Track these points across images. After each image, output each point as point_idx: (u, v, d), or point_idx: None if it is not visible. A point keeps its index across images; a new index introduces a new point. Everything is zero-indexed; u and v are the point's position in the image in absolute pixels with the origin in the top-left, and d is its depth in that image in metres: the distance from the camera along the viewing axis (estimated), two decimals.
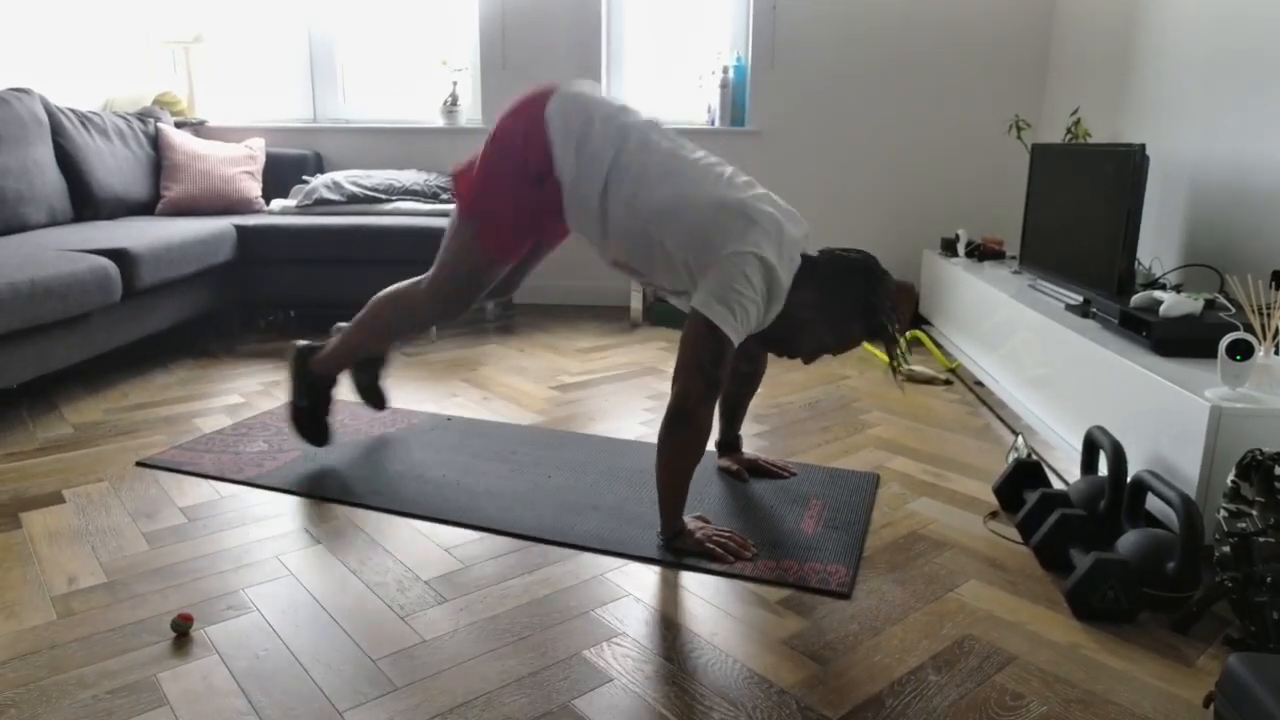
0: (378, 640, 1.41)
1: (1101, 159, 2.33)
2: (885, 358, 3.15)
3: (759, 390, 2.78)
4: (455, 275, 1.94)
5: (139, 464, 2.10)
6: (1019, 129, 3.35)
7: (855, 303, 1.70)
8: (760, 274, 1.62)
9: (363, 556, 1.68)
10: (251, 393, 2.67)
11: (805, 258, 1.74)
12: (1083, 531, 1.65)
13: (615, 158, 1.75)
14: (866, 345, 3.33)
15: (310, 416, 2.15)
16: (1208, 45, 2.51)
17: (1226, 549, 1.42)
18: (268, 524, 1.81)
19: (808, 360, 1.79)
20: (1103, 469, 1.86)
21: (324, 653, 1.37)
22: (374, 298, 2.09)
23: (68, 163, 3.21)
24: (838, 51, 3.71)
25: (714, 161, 1.79)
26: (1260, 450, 1.43)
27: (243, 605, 1.51)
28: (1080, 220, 2.44)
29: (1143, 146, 2.14)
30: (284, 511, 1.87)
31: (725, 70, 3.75)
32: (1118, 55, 3.04)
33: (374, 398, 2.34)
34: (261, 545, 1.72)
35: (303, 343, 2.17)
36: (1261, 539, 1.38)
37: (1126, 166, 2.17)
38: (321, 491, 1.96)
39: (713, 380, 1.61)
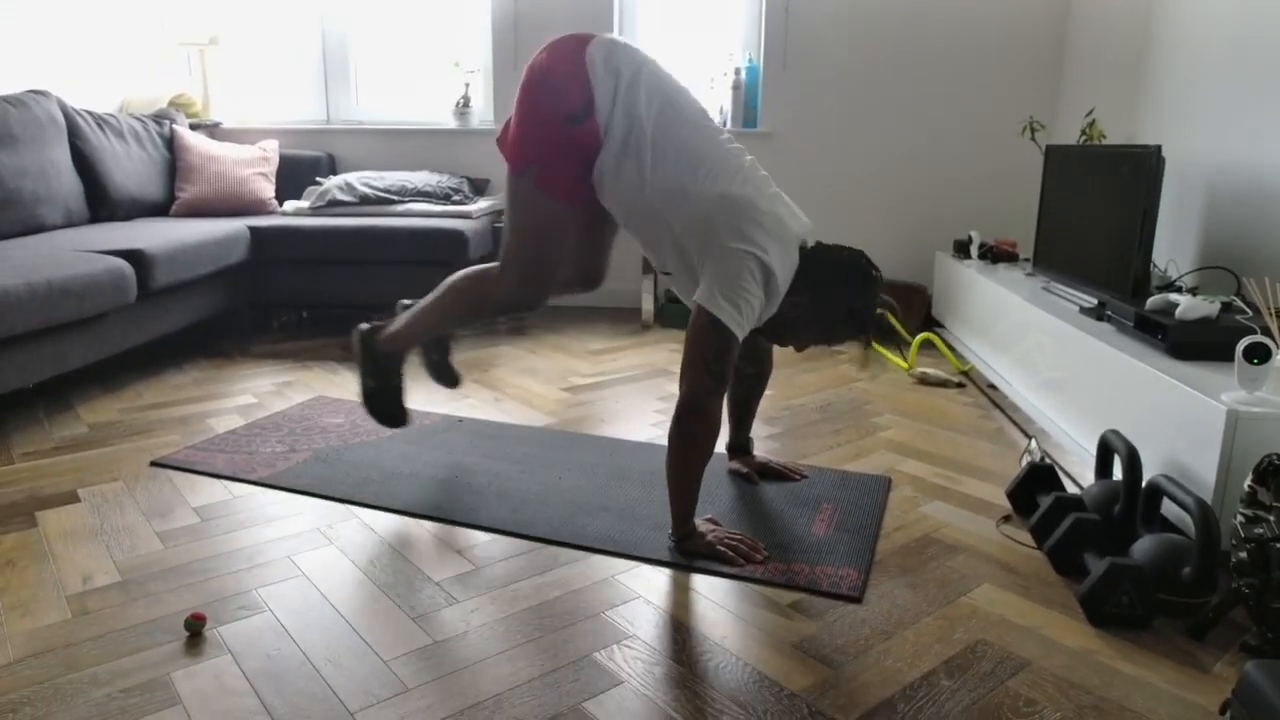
0: (389, 641, 1.41)
1: (1117, 160, 2.31)
2: (894, 358, 3.14)
3: (770, 392, 2.77)
4: (528, 242, 1.84)
5: (153, 464, 2.12)
6: (1033, 130, 3.33)
7: (842, 307, 1.73)
8: (760, 275, 1.63)
9: (374, 557, 1.69)
10: (264, 393, 2.69)
11: (799, 250, 1.75)
12: (1097, 536, 1.64)
13: (641, 121, 1.72)
14: (876, 345, 3.31)
15: (384, 397, 2.10)
16: (1224, 45, 2.49)
17: (1243, 554, 1.41)
18: (280, 524, 1.82)
19: (799, 349, 1.84)
20: (1118, 473, 1.85)
21: (336, 653, 1.38)
22: (449, 279, 1.99)
23: (84, 164, 3.23)
24: (850, 53, 3.70)
25: (736, 149, 1.78)
26: (1277, 455, 1.41)
27: (255, 605, 1.51)
28: (1095, 222, 2.42)
29: (1159, 148, 2.12)
30: (297, 512, 1.88)
31: (738, 71, 3.75)
32: (1133, 56, 3.01)
33: (446, 376, 2.25)
34: (274, 545, 1.73)
35: (365, 325, 2.10)
36: (1278, 544, 1.36)
37: (1142, 168, 2.15)
38: (334, 492, 1.96)
39: (719, 375, 1.62)
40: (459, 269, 2.03)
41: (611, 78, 1.74)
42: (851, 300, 1.73)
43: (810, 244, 1.78)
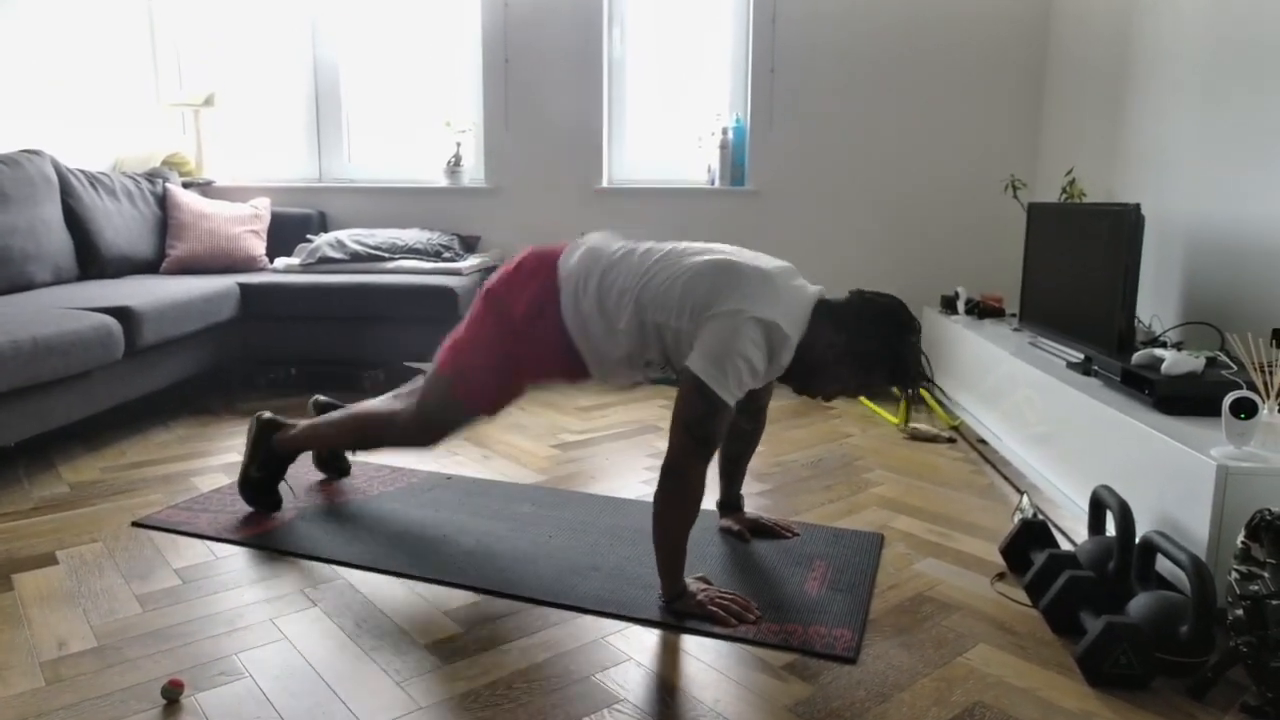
0: (373, 708, 1.37)
1: (1097, 218, 2.36)
2: (884, 413, 3.14)
3: (761, 448, 2.76)
4: (438, 417, 1.95)
5: (135, 524, 2.08)
6: (1015, 188, 3.39)
7: (882, 350, 1.69)
8: (759, 331, 1.62)
9: (360, 619, 1.65)
10: None
11: (826, 301, 1.74)
12: (1093, 594, 1.62)
13: (603, 274, 1.78)
14: (864, 400, 3.32)
15: (262, 487, 2.16)
16: (1199, 101, 2.56)
17: (1240, 612, 1.39)
18: (263, 586, 1.78)
19: (827, 399, 1.80)
20: (1110, 529, 1.84)
21: None
22: (355, 407, 2.12)
23: (75, 222, 3.25)
24: (836, 111, 3.78)
25: (701, 246, 1.81)
26: (1269, 510, 1.41)
27: (235, 671, 1.47)
28: (1079, 278, 2.46)
29: (1137, 206, 2.16)
30: (280, 573, 1.84)
31: (725, 131, 3.82)
32: (1110, 112, 3.09)
33: (333, 467, 2.38)
34: (256, 608, 1.69)
35: (267, 415, 2.19)
36: (1274, 602, 1.35)
37: (1122, 225, 2.19)
38: (319, 552, 1.93)
39: (702, 439, 1.60)
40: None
41: (576, 274, 1.80)
42: (890, 341, 1.69)
43: (841, 295, 1.78)
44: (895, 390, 3.28)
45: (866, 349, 1.69)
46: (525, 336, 1.82)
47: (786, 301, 1.69)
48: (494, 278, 1.89)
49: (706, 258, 1.73)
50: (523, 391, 1.94)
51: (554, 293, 1.80)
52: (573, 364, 1.86)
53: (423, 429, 1.97)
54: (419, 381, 2.06)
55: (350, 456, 2.43)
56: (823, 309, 1.72)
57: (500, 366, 1.86)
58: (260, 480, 2.15)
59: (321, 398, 2.35)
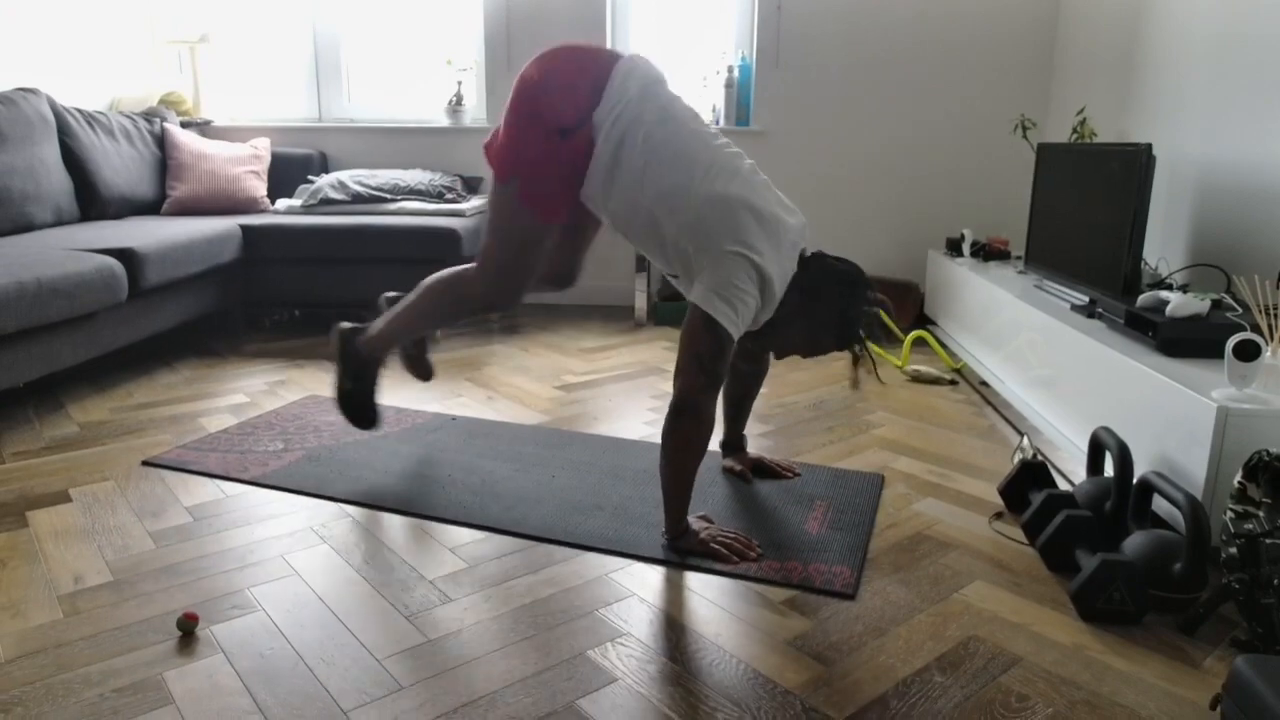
0: (383, 640, 1.41)
1: (1107, 159, 2.32)
2: (887, 355, 3.15)
3: (764, 390, 2.78)
4: (506, 247, 1.85)
5: (145, 463, 2.11)
6: (1024, 128, 3.34)
7: (833, 314, 1.73)
8: (755, 278, 1.62)
9: (368, 556, 1.69)
10: (257, 392, 2.68)
11: (798, 257, 1.74)
12: (1089, 533, 1.64)
13: (636, 131, 1.72)
14: (869, 344, 3.32)
15: (358, 399, 2.12)
16: (1214, 44, 2.50)
17: (1233, 550, 1.42)
18: (273, 523, 1.82)
19: (778, 356, 1.83)
20: (1109, 470, 1.86)
21: (329, 652, 1.37)
22: (426, 281, 2.01)
23: (74, 162, 3.22)
24: (843, 51, 3.70)
25: (735, 152, 1.77)
26: (1267, 451, 1.42)
27: (248, 604, 1.51)
28: (1086, 220, 2.43)
29: (1149, 146, 2.13)
30: (289, 511, 1.88)
31: (730, 70, 3.75)
32: (1123, 54, 3.03)
33: (420, 369, 2.26)
34: (266, 545, 1.72)
35: (346, 325, 2.12)
36: (1268, 540, 1.37)
37: (1133, 166, 2.16)
38: (327, 491, 1.96)
39: (713, 374, 1.62)
40: (452, 266, 2.03)
41: (618, 90, 1.73)
42: (843, 307, 1.72)
43: (809, 252, 1.78)
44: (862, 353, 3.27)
45: (819, 315, 1.72)
46: (567, 143, 1.75)
47: (786, 258, 1.70)
48: (538, 70, 1.76)
49: (725, 190, 1.67)
50: (579, 196, 1.82)
51: (594, 107, 1.72)
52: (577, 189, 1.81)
53: (499, 269, 1.86)
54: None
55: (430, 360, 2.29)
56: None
57: (554, 160, 1.76)
58: (355, 392, 2.11)
59: (390, 293, 2.24)
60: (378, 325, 2.08)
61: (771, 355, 2.08)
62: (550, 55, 1.78)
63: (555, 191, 1.81)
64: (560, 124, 1.74)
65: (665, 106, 1.76)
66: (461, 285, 1.94)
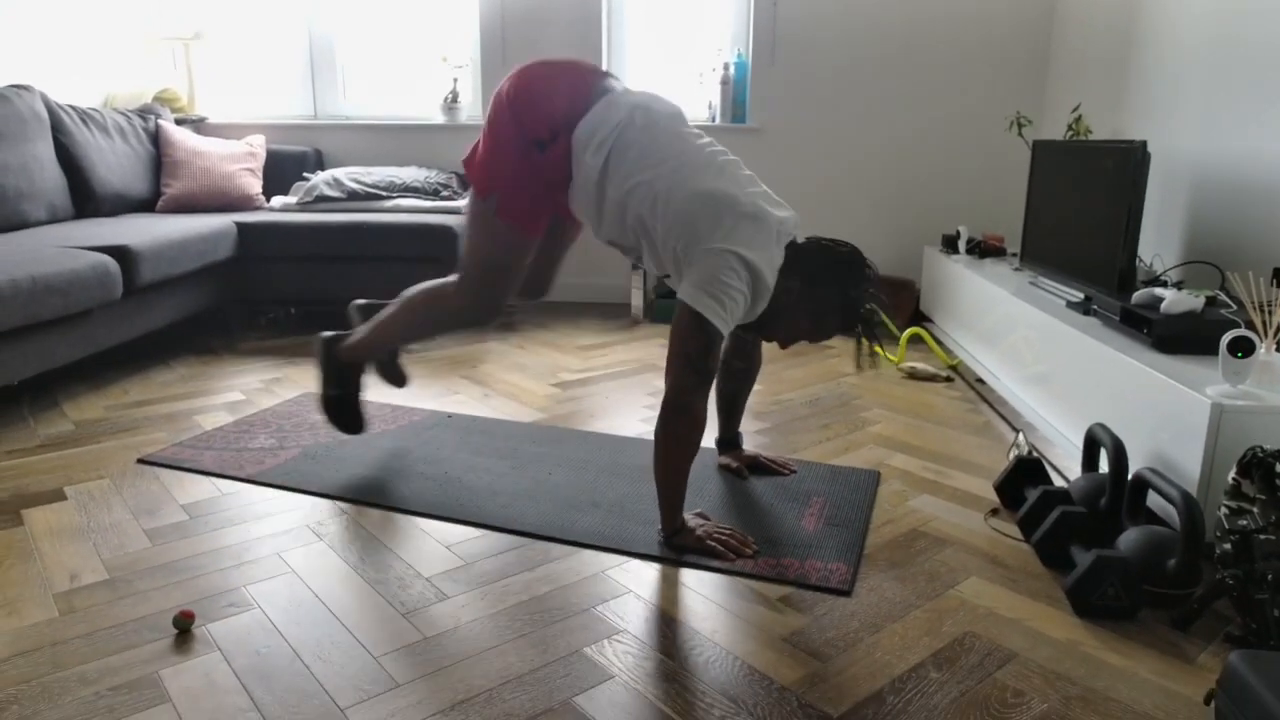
0: (379, 637, 1.41)
1: (1102, 155, 2.33)
2: (883, 352, 3.15)
3: (760, 387, 2.78)
4: (485, 262, 1.87)
5: (140, 461, 2.11)
6: (1020, 125, 3.34)
7: (836, 295, 1.72)
8: (744, 272, 1.62)
9: (364, 553, 1.69)
10: (252, 390, 2.68)
11: (791, 244, 1.74)
12: (1084, 529, 1.65)
13: (620, 134, 1.73)
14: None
15: (342, 404, 2.13)
16: (1209, 41, 2.51)
17: (1227, 546, 1.42)
18: (269, 521, 1.81)
19: (783, 345, 1.81)
20: (1104, 466, 1.86)
21: (325, 650, 1.37)
22: (406, 293, 2.03)
23: (68, 159, 3.21)
24: (839, 48, 3.70)
25: (718, 150, 1.78)
26: (1261, 448, 1.43)
27: (244, 602, 1.51)
28: (1081, 217, 2.44)
29: (1144, 143, 2.14)
30: (285, 509, 1.87)
31: (726, 67, 3.75)
32: (1119, 51, 3.03)
33: (393, 375, 2.27)
34: (262, 542, 1.72)
35: (328, 333, 2.14)
36: (1262, 536, 1.38)
37: (1127, 163, 2.16)
38: (322, 488, 1.96)
39: (703, 371, 1.62)
40: (448, 264, 2.04)
41: (602, 112, 1.75)
42: (845, 289, 1.71)
43: (802, 239, 1.78)
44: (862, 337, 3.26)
45: (821, 297, 1.71)
46: (544, 157, 1.77)
47: (774, 249, 1.69)
48: (512, 86, 1.78)
49: (709, 186, 1.68)
50: (559, 206, 1.86)
51: (574, 123, 1.75)
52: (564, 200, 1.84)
53: (478, 283, 1.88)
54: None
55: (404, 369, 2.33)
56: (788, 254, 1.73)
57: (531, 175, 1.79)
58: (339, 398, 2.12)
59: (360, 301, 2.26)
60: (358, 334, 2.11)
61: (762, 352, 2.08)
62: (524, 70, 1.81)
63: (534, 206, 1.84)
64: (536, 136, 1.76)
65: (648, 113, 1.78)
66: (441, 300, 1.96)
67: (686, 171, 1.70)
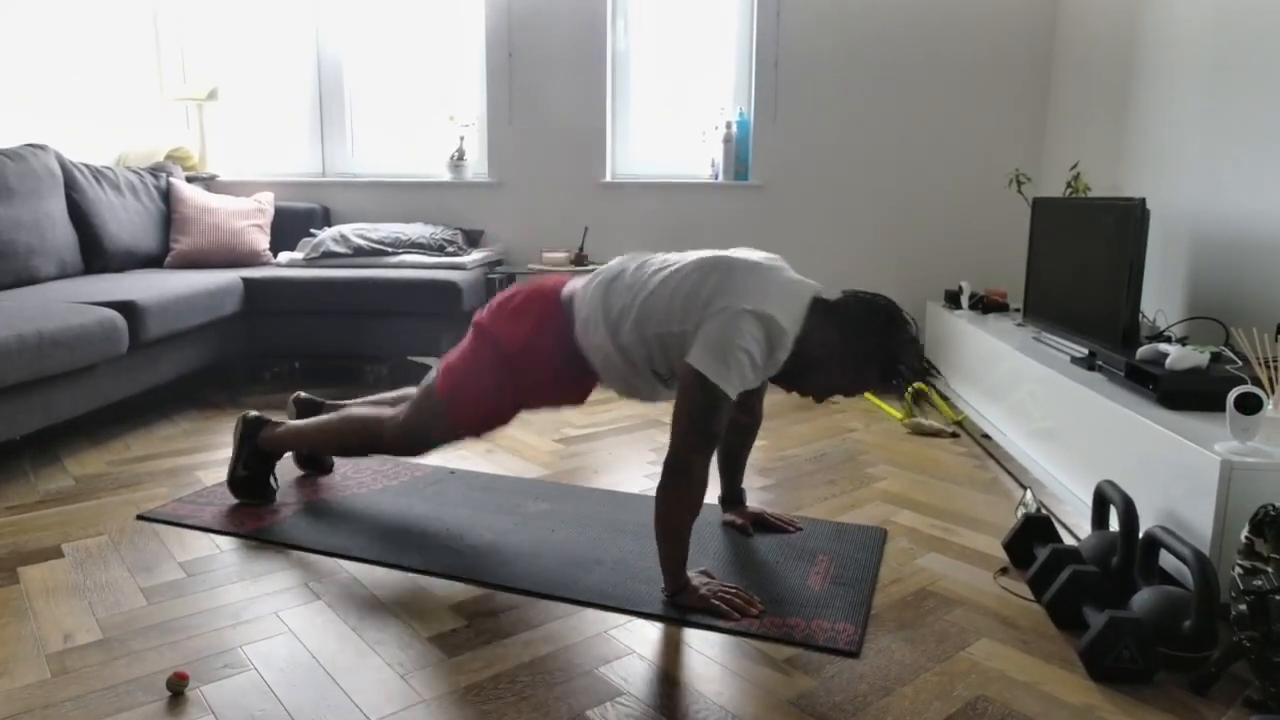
0: (377, 700, 1.38)
1: (1102, 212, 2.35)
2: (888, 408, 3.14)
3: (764, 443, 2.76)
4: (425, 428, 1.96)
5: (140, 517, 2.09)
6: (1019, 182, 3.38)
7: (876, 347, 1.68)
8: (758, 326, 1.61)
9: (363, 613, 1.66)
10: None
11: (822, 299, 1.73)
12: (1096, 589, 1.62)
13: (604, 297, 1.79)
14: (870, 396, 3.31)
15: (250, 484, 2.17)
16: (1206, 98, 2.55)
17: (1243, 607, 1.39)
18: (267, 579, 1.79)
19: (819, 399, 1.79)
20: (1114, 524, 1.84)
21: (322, 713, 1.34)
22: (346, 411, 2.12)
23: (80, 216, 3.25)
24: (840, 105, 3.77)
25: (693, 253, 1.82)
26: (1273, 506, 1.41)
27: (240, 663, 1.48)
28: (1083, 273, 2.45)
29: (1143, 200, 2.16)
30: (284, 566, 1.85)
31: (729, 125, 3.81)
32: (1116, 107, 3.08)
33: (315, 465, 2.37)
34: (260, 601, 1.70)
35: (253, 414, 2.20)
36: (1278, 597, 1.35)
37: (1128, 220, 2.18)
38: (323, 546, 1.93)
39: (705, 433, 1.60)
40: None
41: (579, 301, 1.83)
42: (885, 341, 1.68)
43: (840, 292, 1.77)
44: (871, 397, 3.27)
45: (861, 348, 1.68)
46: (520, 368, 1.85)
47: (782, 296, 1.68)
48: (485, 312, 1.92)
49: (696, 258, 1.74)
50: (513, 418, 1.96)
51: (553, 323, 1.84)
52: (571, 387, 1.91)
53: (409, 442, 2.00)
54: (408, 391, 2.06)
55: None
56: (819, 307, 1.71)
57: (496, 394, 1.89)
58: (247, 478, 2.16)
59: (302, 394, 2.35)
60: (288, 427, 2.16)
61: (764, 407, 2.07)
62: (507, 300, 1.91)
63: (485, 421, 1.94)
64: (509, 351, 1.84)
65: (621, 268, 1.84)
66: (376, 428, 2.03)
67: (666, 268, 1.76)
